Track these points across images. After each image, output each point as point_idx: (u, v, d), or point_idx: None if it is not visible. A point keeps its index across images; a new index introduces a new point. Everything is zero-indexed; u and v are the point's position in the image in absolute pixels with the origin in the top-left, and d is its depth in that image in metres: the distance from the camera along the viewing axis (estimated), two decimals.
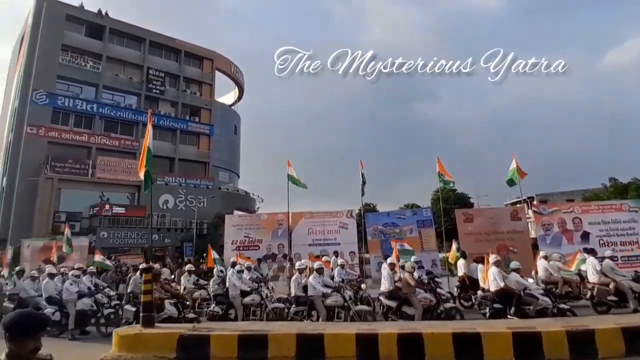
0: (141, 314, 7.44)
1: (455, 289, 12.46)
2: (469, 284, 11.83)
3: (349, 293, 9.68)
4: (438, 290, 9.93)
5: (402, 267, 9.88)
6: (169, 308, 9.22)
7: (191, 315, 9.68)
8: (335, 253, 15.03)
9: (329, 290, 9.37)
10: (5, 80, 46.03)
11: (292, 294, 9.73)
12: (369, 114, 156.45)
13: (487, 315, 9.05)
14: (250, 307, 10.30)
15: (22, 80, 35.77)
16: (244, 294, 10.40)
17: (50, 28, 36.56)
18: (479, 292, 10.35)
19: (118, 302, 11.07)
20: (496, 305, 8.86)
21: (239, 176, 52.80)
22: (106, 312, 10.23)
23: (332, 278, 10.81)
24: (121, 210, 34.14)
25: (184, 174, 41.42)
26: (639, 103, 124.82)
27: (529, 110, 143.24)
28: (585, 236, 14.55)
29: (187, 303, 10.51)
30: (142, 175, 8.45)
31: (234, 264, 11.69)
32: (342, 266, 11.73)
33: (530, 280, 9.87)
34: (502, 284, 8.82)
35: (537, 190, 47.35)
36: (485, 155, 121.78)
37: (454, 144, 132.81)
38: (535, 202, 33.91)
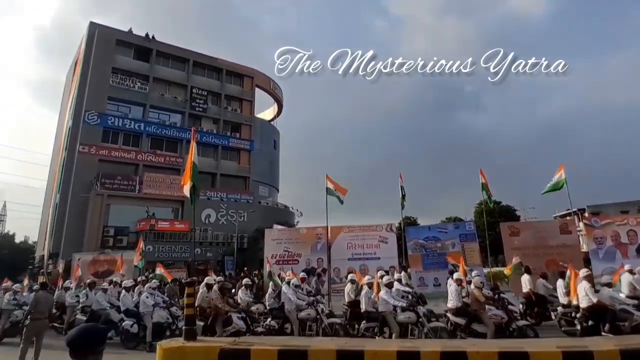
0: (184, 327, 7.57)
1: (521, 306, 11.91)
2: (535, 301, 11.35)
3: (422, 309, 9.25)
4: (509, 307, 9.47)
5: (469, 283, 9.48)
6: (237, 322, 9.30)
7: (260, 329, 9.71)
8: (404, 268, 14.78)
9: (399, 304, 8.98)
10: (60, 102, 48.98)
11: (364, 309, 9.36)
12: (411, 124, 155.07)
13: (579, 332, 8.66)
14: (307, 322, 10.15)
15: (75, 101, 37.98)
16: (299, 308, 10.29)
17: (102, 52, 38.80)
18: (559, 309, 9.95)
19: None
20: (590, 322, 8.46)
21: (278, 190, 53.42)
22: (181, 324, 10.36)
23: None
24: (166, 224, 35.19)
25: (225, 188, 42.41)
26: None
27: (580, 120, 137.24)
28: None
29: (255, 316, 10.57)
30: (186, 190, 8.67)
31: (281, 279, 11.79)
32: (399, 281, 11.37)
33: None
34: (594, 300, 8.38)
35: (588, 202, 45.18)
36: (532, 166, 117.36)
37: (499, 155, 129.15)
38: (586, 214, 32.31)
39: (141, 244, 17.70)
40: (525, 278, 12.06)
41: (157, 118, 41.93)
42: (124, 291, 10.92)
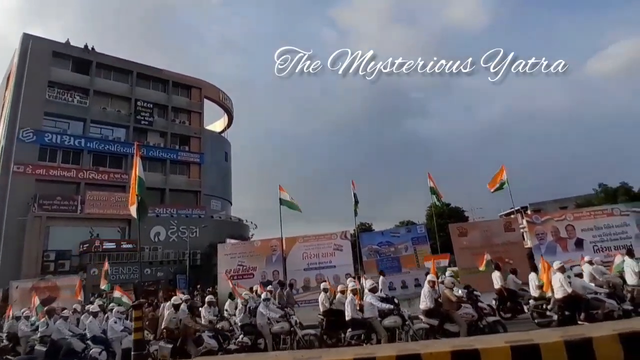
0: (132, 353, 7.20)
1: (494, 302, 12.20)
2: (507, 296, 11.66)
3: (407, 312, 9.16)
4: (479, 304, 9.54)
5: (442, 283, 9.48)
6: (209, 341, 8.95)
7: (233, 347, 9.36)
8: (382, 273, 14.74)
9: (387, 306, 8.85)
10: None
11: (349, 316, 9.03)
12: (360, 133, 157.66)
13: (555, 323, 8.95)
14: (280, 336, 9.87)
15: (8, 118, 35.53)
16: (272, 322, 10.00)
17: (36, 65, 36.58)
18: (531, 302, 10.21)
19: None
20: (566, 312, 8.75)
21: (231, 203, 52.49)
22: (153, 348, 9.81)
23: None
24: (111, 245, 33.50)
25: (175, 204, 41.07)
26: (622, 108, 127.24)
27: (518, 122, 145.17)
28: (580, 243, 14.57)
29: (227, 334, 10.15)
30: (133, 210, 8.42)
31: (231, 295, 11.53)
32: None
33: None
34: (569, 290, 8.65)
35: (530, 200, 47.55)
36: (477, 167, 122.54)
37: (445, 158, 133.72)
38: (528, 212, 34.04)
39: (106, 266, 16.74)
40: (496, 275, 12.32)
41: (99, 133, 39.92)
42: (90, 317, 10.28)
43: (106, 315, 11.03)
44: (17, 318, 12.54)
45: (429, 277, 9.53)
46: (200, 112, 48.18)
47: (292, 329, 9.63)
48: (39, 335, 10.81)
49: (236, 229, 43.37)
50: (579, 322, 8.39)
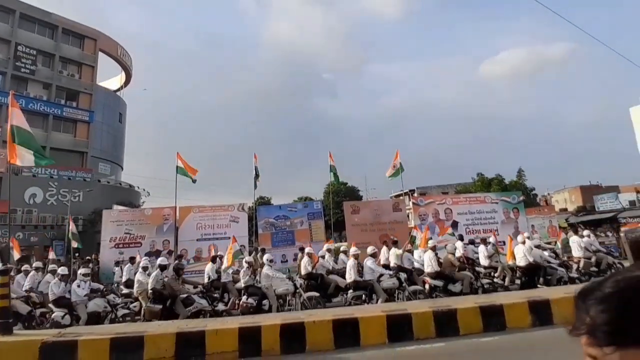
0: None
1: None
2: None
3: (403, 275, 9.92)
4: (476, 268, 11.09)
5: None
6: (199, 301, 8.89)
7: (221, 307, 9.37)
8: (242, 247, 14.70)
9: (385, 271, 9.84)
10: None
11: (351, 279, 9.63)
12: (269, 107, 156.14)
13: (519, 287, 10.42)
14: (286, 297, 9.92)
15: None
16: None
17: None
18: (481, 270, 11.37)
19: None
20: (524, 279, 10.55)
21: (122, 168, 48.92)
22: (120, 313, 9.36)
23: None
24: None
25: (56, 165, 37.10)
26: (504, 108, 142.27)
27: (415, 112, 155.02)
28: (455, 225, 16.20)
29: (216, 295, 10.19)
30: (29, 161, 8.36)
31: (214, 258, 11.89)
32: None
33: None
34: (531, 259, 10.30)
35: (418, 184, 51.45)
36: (376, 150, 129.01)
37: (347, 139, 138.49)
38: (415, 195, 36.80)
39: (72, 226, 15.86)
40: (459, 244, 12.91)
41: None
42: (55, 279, 9.45)
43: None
44: None
45: (430, 243, 10.84)
46: (94, 66, 43.41)
47: (297, 291, 9.74)
48: None
49: (125, 195, 40.55)
50: (539, 286, 10.10)
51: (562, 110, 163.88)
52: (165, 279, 9.38)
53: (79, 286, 9.15)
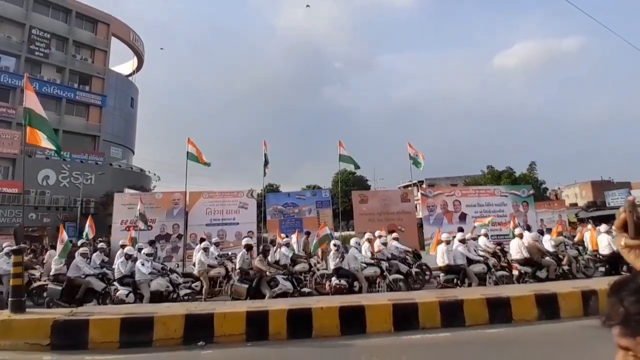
0: (10, 299, 6.76)
1: None
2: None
3: (385, 264, 10.22)
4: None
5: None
6: (284, 283, 8.93)
7: (307, 290, 9.48)
8: (250, 233, 14.91)
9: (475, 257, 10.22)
10: None
11: (445, 263, 9.86)
12: (279, 96, 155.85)
13: (603, 275, 10.76)
14: (373, 279, 10.07)
15: None
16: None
17: None
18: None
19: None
20: (607, 267, 10.97)
21: (133, 152, 49.32)
22: (182, 292, 9.45)
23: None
24: None
25: (69, 147, 37.44)
26: (517, 102, 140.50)
27: (426, 104, 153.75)
28: (463, 217, 16.15)
29: (300, 277, 10.18)
30: (45, 143, 8.47)
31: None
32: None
33: None
34: (615, 248, 10.23)
35: (428, 175, 51.18)
36: (385, 141, 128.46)
37: (357, 128, 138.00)
38: (424, 186, 36.71)
39: (140, 206, 14.91)
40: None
41: None
42: (122, 258, 9.56)
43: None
44: None
45: (516, 231, 11.13)
46: (106, 50, 43.41)
47: (384, 273, 9.98)
48: (52, 272, 9.77)
49: (137, 179, 40.94)
50: (622, 273, 10.04)
51: (576, 104, 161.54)
52: (251, 259, 9.63)
53: (143, 265, 9.22)
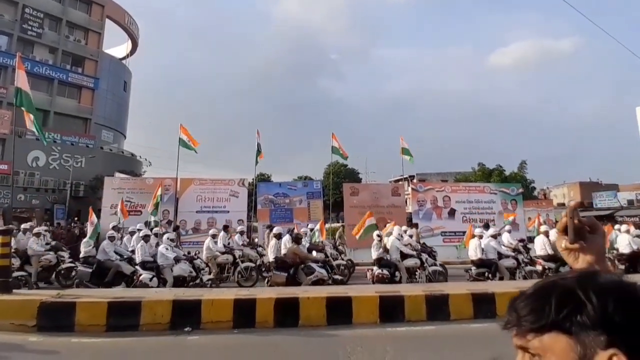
0: None
1: None
2: None
3: (425, 256, 10.44)
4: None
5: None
6: (319, 270, 8.99)
7: (339, 277, 9.55)
8: (240, 221, 14.96)
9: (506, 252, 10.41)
10: None
11: (477, 257, 10.02)
12: (274, 85, 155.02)
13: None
14: (414, 270, 10.21)
15: None
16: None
17: None
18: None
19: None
20: (627, 265, 11.10)
21: (125, 137, 48.88)
22: (205, 278, 9.54)
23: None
24: None
25: (60, 129, 37.06)
26: (509, 100, 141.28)
27: (420, 98, 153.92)
28: (452, 213, 16.29)
29: (334, 265, 10.34)
30: (30, 124, 8.44)
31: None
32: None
33: None
34: (635, 247, 10.95)
35: (419, 170, 51.34)
36: (378, 134, 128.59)
37: (349, 120, 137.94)
38: (414, 181, 36.89)
39: (159, 191, 14.48)
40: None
41: None
42: (142, 241, 9.51)
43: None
44: (35, 234, 11.07)
45: (543, 228, 11.14)
46: (100, 32, 42.84)
47: (424, 265, 10.22)
48: (82, 255, 9.81)
49: (127, 164, 40.61)
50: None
51: (567, 105, 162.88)
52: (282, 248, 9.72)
53: (167, 249, 9.25)
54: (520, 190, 18.04)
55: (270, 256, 9.72)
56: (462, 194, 16.82)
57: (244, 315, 6.22)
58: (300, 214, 16.18)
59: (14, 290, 6.94)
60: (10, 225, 8.28)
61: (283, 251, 9.67)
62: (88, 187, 33.44)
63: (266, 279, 9.56)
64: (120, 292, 7.43)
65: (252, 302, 6.34)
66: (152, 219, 13.80)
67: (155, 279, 8.89)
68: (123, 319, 6.08)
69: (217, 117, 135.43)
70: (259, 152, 17.36)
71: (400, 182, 22.43)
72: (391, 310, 6.55)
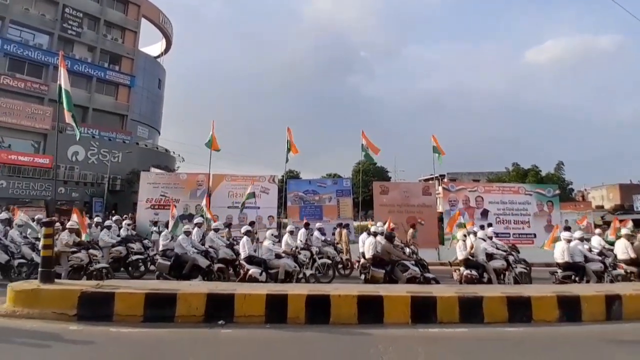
0: (40, 269, 6.99)
1: None
2: None
3: (511, 258, 10.39)
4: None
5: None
6: (413, 268, 9.19)
7: (430, 276, 9.40)
8: (270, 217, 15.30)
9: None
10: None
11: (564, 260, 9.80)
12: (304, 82, 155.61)
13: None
14: (500, 272, 10.13)
15: None
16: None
17: None
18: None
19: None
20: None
21: (159, 133, 50.23)
22: (308, 273, 9.72)
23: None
24: (24, 159, 31.45)
25: (98, 125, 38.43)
26: (546, 99, 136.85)
27: (452, 97, 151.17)
28: (485, 213, 15.95)
29: (424, 262, 10.08)
30: (69, 119, 8.49)
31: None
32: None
33: None
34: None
35: (449, 169, 50.51)
36: (407, 132, 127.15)
37: (380, 118, 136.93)
38: (445, 180, 36.29)
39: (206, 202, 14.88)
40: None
41: (18, 36, 35.56)
42: (245, 237, 9.67)
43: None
44: (106, 226, 12.08)
45: (624, 231, 10.81)
46: (136, 31, 44.23)
47: (510, 266, 10.20)
48: (160, 248, 10.28)
49: (162, 159, 41.77)
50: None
51: (608, 105, 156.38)
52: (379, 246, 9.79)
53: (274, 243, 9.55)
54: (557, 191, 17.45)
55: (367, 253, 9.75)
56: (496, 195, 16.43)
57: (276, 310, 6.27)
58: (330, 212, 16.19)
59: (56, 280, 7.21)
60: (53, 217, 8.62)
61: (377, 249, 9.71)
62: (124, 181, 34.53)
63: (360, 274, 9.87)
64: (157, 284, 7.62)
65: (283, 298, 6.39)
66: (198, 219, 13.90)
67: (264, 274, 9.01)
68: (159, 310, 6.23)
69: (245, 115, 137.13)
70: (289, 149, 17.44)
71: (430, 182, 22.11)
72: (423, 311, 6.46)
